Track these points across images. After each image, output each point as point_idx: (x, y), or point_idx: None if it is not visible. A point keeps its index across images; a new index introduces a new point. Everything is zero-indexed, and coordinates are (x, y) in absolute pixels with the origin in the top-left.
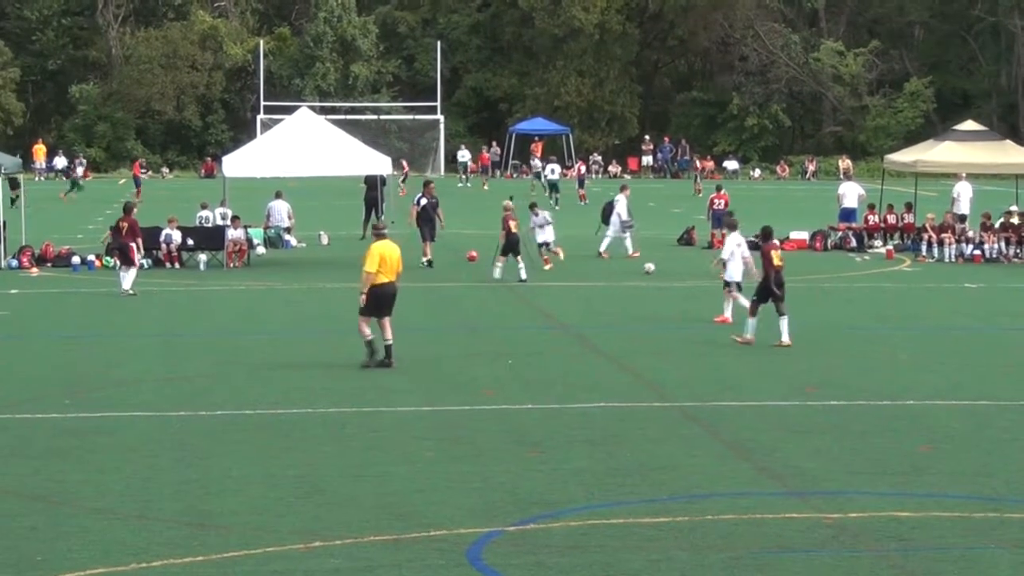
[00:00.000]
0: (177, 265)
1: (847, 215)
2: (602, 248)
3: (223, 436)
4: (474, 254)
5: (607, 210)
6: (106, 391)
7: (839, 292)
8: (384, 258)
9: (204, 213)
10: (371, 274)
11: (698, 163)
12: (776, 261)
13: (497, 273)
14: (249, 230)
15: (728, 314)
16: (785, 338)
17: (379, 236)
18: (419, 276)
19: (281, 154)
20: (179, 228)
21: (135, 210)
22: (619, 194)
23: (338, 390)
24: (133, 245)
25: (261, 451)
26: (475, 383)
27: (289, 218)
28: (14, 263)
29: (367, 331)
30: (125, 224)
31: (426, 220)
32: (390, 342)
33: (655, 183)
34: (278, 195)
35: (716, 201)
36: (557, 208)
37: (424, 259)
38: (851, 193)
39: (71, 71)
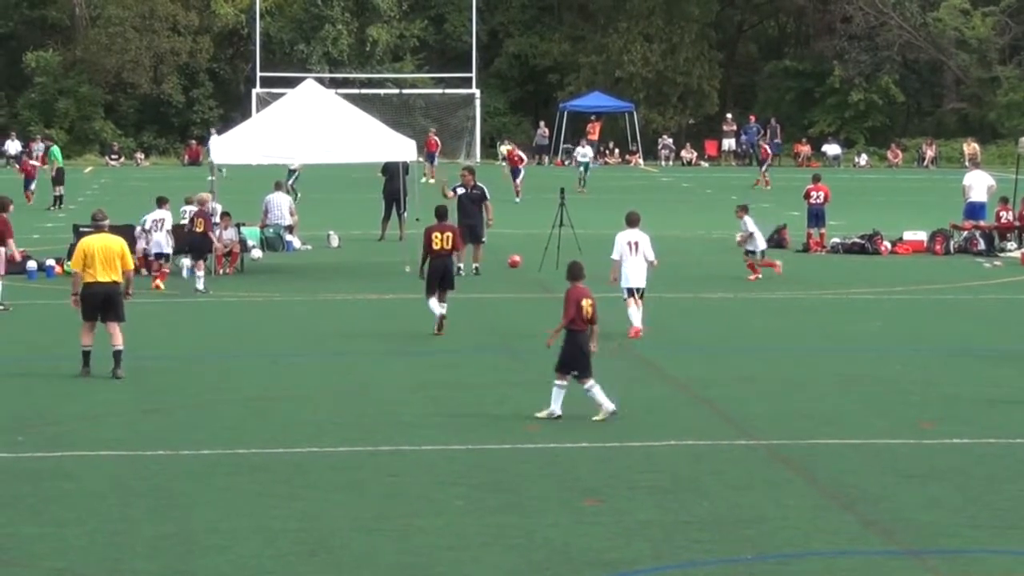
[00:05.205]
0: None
1: (974, 211)
2: None
3: (209, 481)
4: (517, 258)
5: None
6: (67, 426)
7: (963, 305)
8: (88, 254)
9: (189, 208)
10: (77, 273)
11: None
12: (436, 245)
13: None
14: (243, 229)
15: (637, 324)
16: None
17: (95, 228)
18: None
19: (281, 136)
20: None
21: (11, 207)
22: None
23: (349, 425)
24: None
25: (255, 499)
26: (516, 416)
27: (291, 215)
28: None
29: (86, 340)
30: None
31: (464, 217)
32: (117, 348)
33: (738, 172)
34: (278, 187)
35: (813, 194)
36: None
37: (458, 265)
38: (979, 184)
39: (26, 35)
